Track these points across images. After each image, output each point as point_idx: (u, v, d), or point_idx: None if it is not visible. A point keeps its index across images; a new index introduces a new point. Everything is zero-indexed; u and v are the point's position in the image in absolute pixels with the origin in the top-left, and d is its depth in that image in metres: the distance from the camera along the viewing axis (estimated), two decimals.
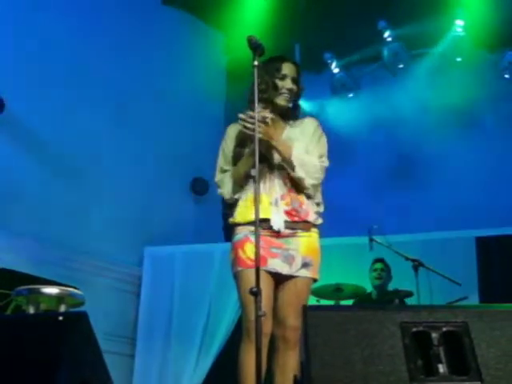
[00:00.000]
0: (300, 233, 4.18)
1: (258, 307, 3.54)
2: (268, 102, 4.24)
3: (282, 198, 4.19)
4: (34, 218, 7.83)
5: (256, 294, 3.55)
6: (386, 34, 9.82)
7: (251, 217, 4.01)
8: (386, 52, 10.01)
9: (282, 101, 4.28)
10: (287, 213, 4.16)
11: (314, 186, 4.23)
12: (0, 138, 7.79)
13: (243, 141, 4.27)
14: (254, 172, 3.80)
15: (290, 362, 4.06)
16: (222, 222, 7.76)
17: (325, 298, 7.56)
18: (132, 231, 9.10)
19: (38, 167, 8.05)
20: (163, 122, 9.33)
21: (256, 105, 3.95)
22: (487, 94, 9.73)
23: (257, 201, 3.76)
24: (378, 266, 7.79)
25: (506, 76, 9.93)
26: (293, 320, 4.07)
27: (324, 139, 4.41)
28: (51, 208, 8.05)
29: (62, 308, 5.13)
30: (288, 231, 4.14)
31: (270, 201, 4.13)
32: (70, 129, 8.38)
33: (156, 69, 9.41)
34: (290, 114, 4.41)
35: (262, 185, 4.11)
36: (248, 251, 4.12)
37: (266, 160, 4.18)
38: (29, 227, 7.75)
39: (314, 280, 4.28)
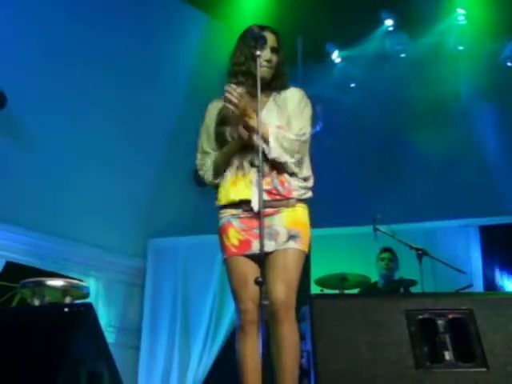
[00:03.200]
0: (283, 209, 3.97)
1: (262, 297, 3.45)
2: (248, 74, 4.03)
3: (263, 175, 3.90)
4: (37, 211, 7.84)
5: (261, 283, 3.47)
6: (388, 22, 9.81)
7: (233, 197, 3.95)
8: (387, 41, 10.00)
9: (261, 72, 3.93)
10: (268, 192, 3.94)
11: (296, 163, 4.02)
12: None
13: (225, 118, 4.12)
14: (257, 162, 3.68)
15: (282, 339, 3.72)
16: None
17: (330, 287, 7.55)
18: (135, 223, 9.11)
19: (39, 159, 8.03)
20: (165, 115, 9.33)
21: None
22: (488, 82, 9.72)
23: (261, 192, 3.61)
24: (386, 255, 7.77)
25: (509, 64, 9.93)
26: (280, 293, 3.77)
27: (308, 110, 4.18)
28: (54, 201, 8.05)
29: (67, 300, 5.13)
30: (270, 210, 3.92)
31: (250, 179, 3.93)
32: (70, 122, 8.38)
33: (159, 61, 9.39)
34: (274, 86, 4.17)
35: (244, 164, 3.98)
36: (231, 237, 3.96)
37: (245, 149, 3.99)
38: (33, 220, 7.76)
39: (305, 253, 3.97)
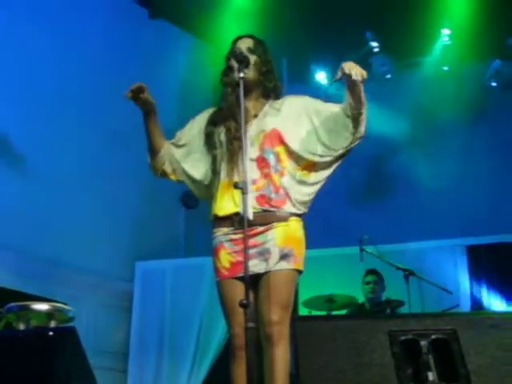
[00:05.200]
0: (275, 224, 3.84)
1: (246, 319, 3.45)
2: (234, 84, 3.94)
3: (254, 182, 3.86)
4: (22, 234, 7.80)
5: (245, 306, 3.46)
6: (373, 44, 9.86)
7: (224, 210, 3.87)
8: (373, 63, 10.04)
9: (245, 75, 3.84)
10: (256, 199, 3.85)
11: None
12: None
13: (215, 120, 4.08)
14: (241, 184, 3.56)
15: (275, 361, 3.68)
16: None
17: (317, 309, 7.56)
18: (123, 246, 9.07)
19: (21, 181, 7.99)
20: None
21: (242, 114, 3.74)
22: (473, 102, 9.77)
23: (245, 219, 3.55)
24: (371, 278, 7.76)
25: (494, 84, 9.99)
26: (272, 315, 3.71)
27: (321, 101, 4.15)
28: (40, 223, 8.02)
29: (52, 324, 5.10)
30: (261, 228, 3.82)
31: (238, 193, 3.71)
32: (57, 144, 8.35)
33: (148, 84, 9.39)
34: (266, 91, 4.09)
35: (234, 169, 3.90)
36: (223, 260, 3.87)
37: (238, 139, 3.85)
38: (17, 243, 7.72)
39: (299, 271, 3.87)
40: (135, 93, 4.00)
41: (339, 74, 3.78)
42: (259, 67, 4.05)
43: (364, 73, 3.76)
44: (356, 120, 3.90)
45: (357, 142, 3.98)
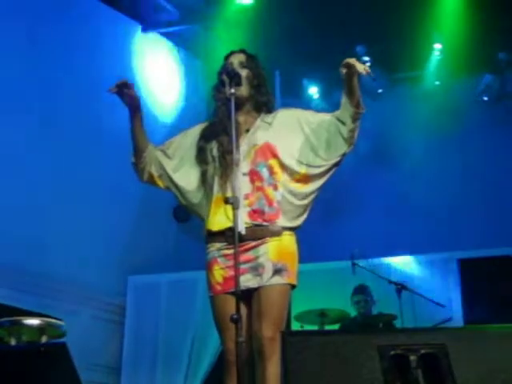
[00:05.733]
0: (268, 239, 3.85)
1: (237, 334, 3.46)
2: (226, 100, 3.95)
3: (246, 197, 3.88)
4: (14, 247, 7.78)
5: (236, 321, 3.47)
6: (365, 58, 9.88)
7: (218, 225, 3.88)
8: (364, 77, 10.06)
9: (236, 91, 3.88)
10: (248, 214, 3.86)
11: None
12: None
13: (208, 135, 4.08)
14: (232, 199, 3.61)
15: (267, 375, 3.70)
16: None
17: (309, 323, 7.55)
18: (115, 260, 9.06)
19: (14, 195, 7.98)
20: None
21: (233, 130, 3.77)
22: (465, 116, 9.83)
23: (235, 234, 3.57)
24: (358, 298, 7.75)
25: (485, 98, 10.04)
26: (265, 331, 3.73)
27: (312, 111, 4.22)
28: (33, 237, 8.00)
29: (44, 339, 5.10)
30: (254, 242, 3.83)
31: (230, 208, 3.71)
32: (51, 158, 8.35)
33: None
34: (258, 105, 4.10)
35: (227, 184, 3.89)
36: (216, 275, 3.88)
37: (231, 153, 3.79)
38: (9, 258, 7.70)
39: (292, 286, 3.89)
40: (120, 88, 3.99)
41: (343, 70, 3.81)
42: (251, 81, 4.07)
43: (367, 67, 3.81)
44: (351, 125, 3.90)
45: (351, 148, 3.98)
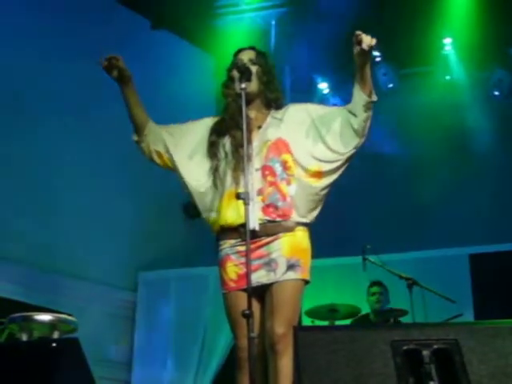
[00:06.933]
0: (281, 235, 3.84)
1: (249, 329, 3.44)
2: (236, 95, 3.93)
3: (259, 192, 3.86)
4: (26, 244, 7.81)
5: (248, 316, 3.45)
6: (375, 53, 9.86)
7: (230, 220, 3.86)
8: (375, 72, 10.05)
9: (247, 86, 3.85)
10: (262, 209, 3.84)
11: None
12: None
13: (220, 130, 4.05)
14: (243, 195, 3.60)
15: (279, 372, 3.70)
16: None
17: (320, 318, 7.54)
18: (126, 256, 9.09)
19: (26, 192, 7.99)
20: None
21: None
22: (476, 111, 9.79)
23: (247, 230, 3.56)
24: (376, 289, 7.74)
25: (496, 93, 10.00)
26: (278, 327, 3.72)
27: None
28: (43, 235, 8.02)
29: (55, 335, 5.11)
30: (267, 238, 3.82)
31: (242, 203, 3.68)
32: (57, 156, 8.36)
33: (146, 93, 9.40)
34: (268, 101, 4.11)
35: (239, 178, 3.85)
36: (230, 272, 3.86)
37: (242, 146, 3.76)
38: (20, 255, 7.72)
39: (305, 281, 3.88)
40: (109, 61, 3.95)
41: (356, 48, 3.78)
42: (261, 77, 4.06)
43: (373, 41, 3.76)
44: (362, 115, 3.87)
45: (363, 141, 3.96)
